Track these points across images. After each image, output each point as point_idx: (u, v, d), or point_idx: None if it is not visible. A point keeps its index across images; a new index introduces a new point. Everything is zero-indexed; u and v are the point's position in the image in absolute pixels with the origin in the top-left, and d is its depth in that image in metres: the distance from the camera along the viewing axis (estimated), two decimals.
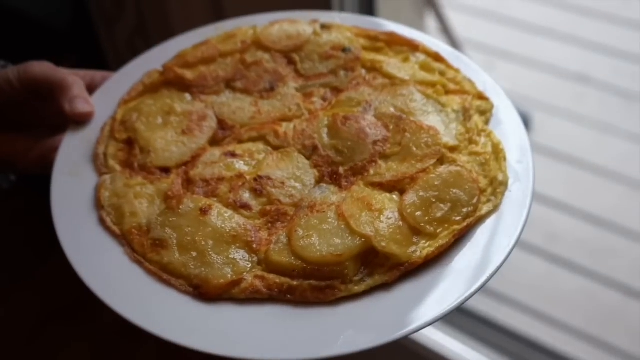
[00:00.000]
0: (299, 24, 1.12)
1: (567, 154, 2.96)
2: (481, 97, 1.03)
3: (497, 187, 0.92)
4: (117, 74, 1.10)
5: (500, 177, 0.93)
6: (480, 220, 0.90)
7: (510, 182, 0.93)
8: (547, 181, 2.83)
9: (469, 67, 1.08)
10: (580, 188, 2.85)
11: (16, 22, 2.24)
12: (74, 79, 1.04)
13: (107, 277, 0.86)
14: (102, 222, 0.91)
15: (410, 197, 0.90)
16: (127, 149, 0.99)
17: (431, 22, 3.05)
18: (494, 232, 0.89)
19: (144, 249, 0.88)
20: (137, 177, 0.95)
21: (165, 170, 0.97)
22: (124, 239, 0.90)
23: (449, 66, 1.07)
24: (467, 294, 0.82)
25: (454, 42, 2.98)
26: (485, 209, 0.90)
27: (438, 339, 1.97)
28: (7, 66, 1.12)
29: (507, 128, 1.00)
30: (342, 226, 0.87)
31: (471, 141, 0.97)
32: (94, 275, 0.85)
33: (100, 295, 0.83)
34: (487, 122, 1.01)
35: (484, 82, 1.05)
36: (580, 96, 3.20)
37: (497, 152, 0.96)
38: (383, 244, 0.85)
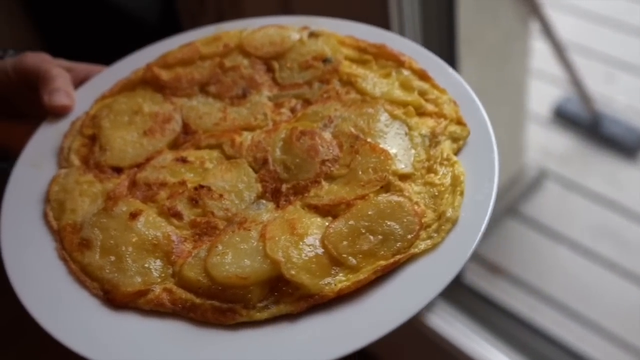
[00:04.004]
0: (286, 30, 1.08)
1: None
2: (460, 122, 0.94)
3: (443, 223, 0.84)
4: (108, 69, 1.11)
5: (449, 213, 0.84)
6: (414, 257, 0.82)
7: (461, 220, 0.84)
8: None
9: (459, 89, 0.99)
10: None
11: (112, 15, 2.35)
12: (59, 71, 1.06)
13: (30, 270, 0.87)
14: (44, 215, 0.93)
15: (337, 225, 0.84)
16: (90, 144, 1.00)
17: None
18: (426, 273, 0.81)
19: (72, 247, 0.88)
20: (89, 174, 0.96)
21: (118, 170, 0.96)
22: (58, 234, 0.90)
23: (434, 86, 0.99)
24: (372, 338, 0.76)
25: (556, 45, 2.78)
26: (422, 246, 0.82)
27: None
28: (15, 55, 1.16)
29: (479, 160, 0.90)
30: (260, 248, 0.83)
31: (430, 170, 0.89)
32: (18, 266, 0.87)
33: (16, 286, 0.84)
34: (457, 151, 0.92)
35: (472, 106, 0.96)
36: None
37: (455, 185, 0.87)
38: (292, 272, 0.80)
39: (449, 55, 2.05)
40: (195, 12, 2.23)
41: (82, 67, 1.13)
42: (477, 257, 2.78)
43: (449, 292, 2.40)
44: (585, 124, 3.15)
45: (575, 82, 2.94)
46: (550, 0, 2.82)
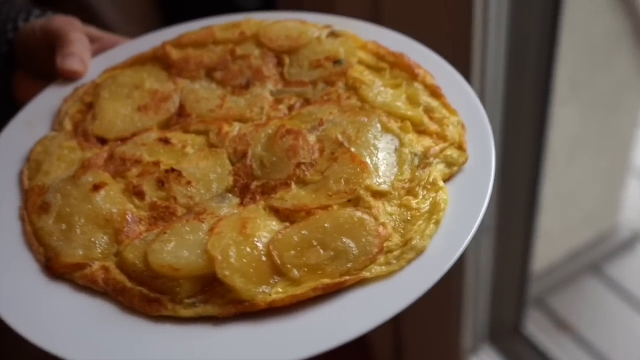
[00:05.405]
0: (307, 26, 1.02)
1: None
2: (461, 147, 0.86)
3: (407, 252, 0.76)
4: (132, 42, 1.10)
5: (416, 241, 0.76)
6: (364, 282, 0.74)
7: (429, 252, 0.76)
8: None
9: (475, 113, 0.90)
10: None
11: (217, 3, 2.38)
12: (79, 37, 1.05)
13: None
14: (20, 174, 0.91)
15: (288, 233, 0.77)
16: (86, 112, 0.98)
17: None
18: (371, 302, 0.73)
19: (33, 208, 0.86)
20: (74, 140, 0.94)
21: (103, 141, 0.94)
22: (26, 194, 0.89)
23: (445, 105, 0.90)
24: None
25: None
26: (376, 270, 0.75)
27: None
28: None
29: (471, 192, 0.82)
30: (205, 241, 0.77)
31: (410, 192, 0.81)
32: None
33: None
34: (450, 177, 0.83)
35: (483, 134, 0.87)
36: None
37: (433, 213, 0.79)
38: (226, 272, 0.74)
39: (543, 94, 1.90)
40: (292, 3, 2.22)
41: (110, 38, 1.12)
42: (545, 309, 2.61)
43: (502, 338, 2.26)
44: None
45: None
46: None
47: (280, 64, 1.00)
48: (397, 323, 2.27)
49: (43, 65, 1.11)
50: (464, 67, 1.58)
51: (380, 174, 0.82)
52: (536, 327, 2.43)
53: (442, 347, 2.22)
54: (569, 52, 1.95)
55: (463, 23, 1.63)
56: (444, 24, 1.67)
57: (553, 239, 2.51)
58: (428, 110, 0.90)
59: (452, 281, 1.98)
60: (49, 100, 1.01)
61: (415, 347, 2.32)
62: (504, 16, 1.66)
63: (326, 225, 0.77)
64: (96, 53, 1.09)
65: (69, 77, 1.03)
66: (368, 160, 0.83)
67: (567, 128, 2.26)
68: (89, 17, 1.14)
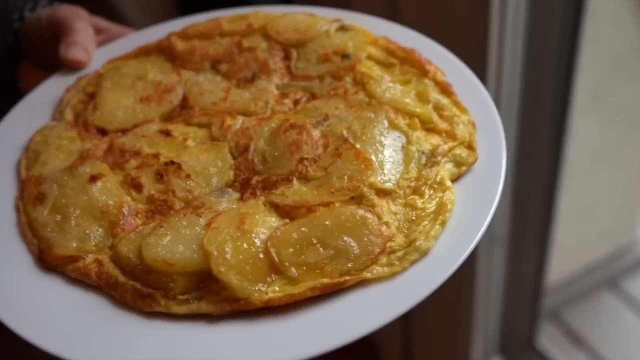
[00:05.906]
0: (315, 19, 0.99)
1: None
2: (470, 147, 0.82)
3: (410, 252, 0.72)
4: (138, 33, 1.07)
5: (420, 242, 0.73)
6: (364, 282, 0.71)
7: (433, 254, 0.73)
8: None
9: (487, 113, 0.87)
10: None
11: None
12: (84, 26, 1.03)
13: None
14: (18, 163, 0.89)
15: (287, 229, 0.74)
16: (88, 102, 0.96)
17: None
18: (371, 304, 0.70)
19: (29, 198, 0.84)
20: (73, 130, 0.92)
21: (103, 132, 0.92)
22: (22, 184, 0.86)
23: (456, 103, 0.87)
24: None
25: None
26: (377, 271, 0.72)
27: None
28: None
29: (480, 194, 0.78)
30: (201, 236, 0.75)
31: (416, 191, 0.78)
32: None
33: None
34: (458, 177, 0.80)
35: (494, 134, 0.84)
36: None
37: (439, 213, 0.76)
38: (221, 268, 0.71)
39: (562, 104, 1.85)
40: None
41: (116, 29, 1.10)
42: (559, 322, 2.56)
43: (513, 351, 2.21)
44: None
45: None
46: None
47: (287, 57, 0.97)
48: (406, 331, 2.23)
49: (48, 55, 1.09)
50: (479, 71, 1.55)
51: (385, 171, 0.79)
52: (549, 341, 2.38)
53: (451, 357, 2.18)
54: (590, 62, 1.91)
55: (480, 27, 1.59)
56: (460, 25, 1.64)
57: (569, 251, 2.46)
58: (437, 108, 0.87)
59: (463, 290, 1.94)
60: (51, 90, 0.99)
61: (424, 357, 2.28)
62: (521, 22, 1.62)
63: (327, 222, 0.74)
64: (102, 43, 1.07)
65: (72, 67, 1.01)
66: (373, 157, 0.80)
67: (587, 140, 2.22)
68: (107, 11, 1.12)
